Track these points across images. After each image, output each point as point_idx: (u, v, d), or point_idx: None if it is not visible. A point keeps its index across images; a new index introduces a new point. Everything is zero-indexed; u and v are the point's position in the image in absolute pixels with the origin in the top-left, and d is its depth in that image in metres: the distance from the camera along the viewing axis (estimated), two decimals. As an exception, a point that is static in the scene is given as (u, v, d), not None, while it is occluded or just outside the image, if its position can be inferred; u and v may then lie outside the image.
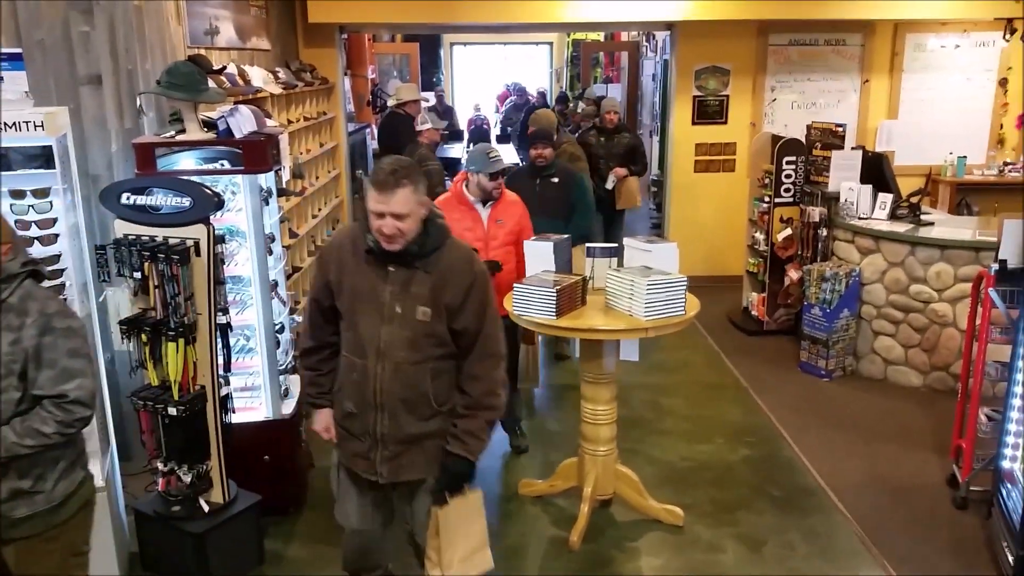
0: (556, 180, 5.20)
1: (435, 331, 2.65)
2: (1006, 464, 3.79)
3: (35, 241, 3.19)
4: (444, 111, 12.96)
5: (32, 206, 3.17)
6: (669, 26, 7.89)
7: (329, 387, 2.87)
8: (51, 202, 3.19)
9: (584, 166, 6.25)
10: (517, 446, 4.80)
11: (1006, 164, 7.89)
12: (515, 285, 3.78)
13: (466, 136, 13.56)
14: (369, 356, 2.66)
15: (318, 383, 2.90)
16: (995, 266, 4.01)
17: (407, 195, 2.54)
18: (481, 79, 17.06)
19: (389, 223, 2.54)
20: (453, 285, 2.64)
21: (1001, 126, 8.01)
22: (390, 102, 7.67)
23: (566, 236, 4.21)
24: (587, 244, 4.31)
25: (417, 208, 2.57)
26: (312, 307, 2.83)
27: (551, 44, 16.93)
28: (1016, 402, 3.76)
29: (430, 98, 12.25)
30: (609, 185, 6.86)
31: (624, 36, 11.65)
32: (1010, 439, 3.79)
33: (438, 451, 2.74)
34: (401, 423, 2.69)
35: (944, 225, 5.72)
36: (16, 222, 3.15)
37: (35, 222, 3.18)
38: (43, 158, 3.11)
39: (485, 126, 13.89)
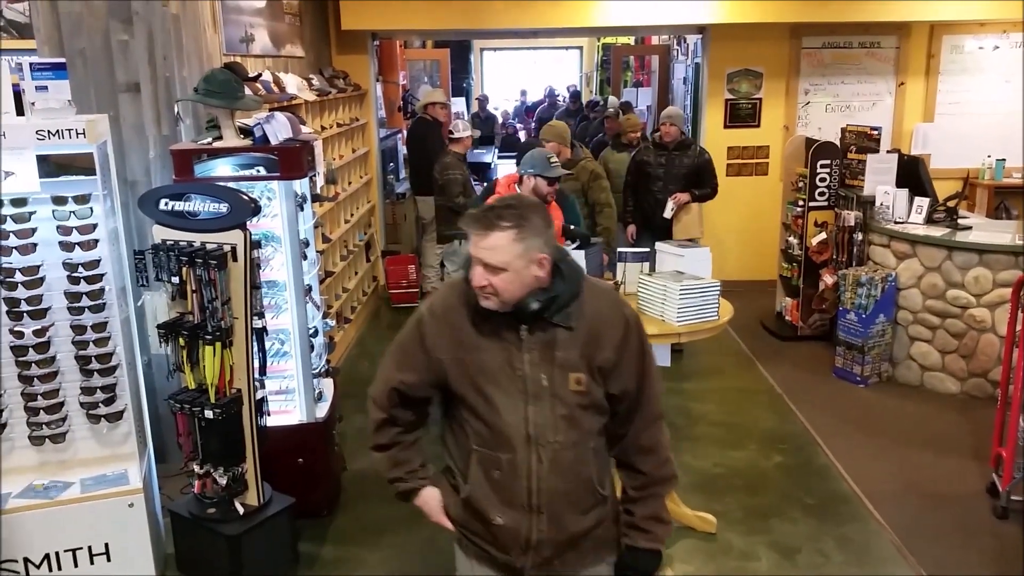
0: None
1: (594, 401, 2.10)
2: (1048, 473, 3.72)
3: (76, 246, 3.25)
4: (486, 118, 13.07)
5: (73, 212, 3.24)
6: (701, 29, 7.85)
7: (420, 463, 2.29)
8: (91, 208, 3.26)
9: (606, 184, 5.84)
10: None
11: (1046, 167, 7.73)
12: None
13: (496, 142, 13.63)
14: (518, 448, 2.06)
15: (403, 460, 2.28)
16: (1036, 271, 3.93)
17: (506, 241, 1.96)
18: (511, 84, 17.12)
19: (478, 273, 2.00)
20: (606, 340, 2.08)
21: (1041, 128, 7.85)
22: (416, 107, 7.71)
23: (598, 240, 4.22)
24: (620, 250, 4.30)
25: (520, 262, 1.97)
26: (388, 387, 2.21)
27: (581, 48, 16.93)
28: (1059, 410, 3.68)
29: (458, 103, 12.33)
30: (668, 213, 5.97)
31: (654, 40, 11.61)
32: (1052, 448, 3.72)
33: (601, 540, 2.22)
34: (564, 523, 2.12)
35: (982, 229, 5.62)
36: (57, 227, 3.23)
37: (76, 228, 3.25)
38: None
39: (515, 133, 13.98)
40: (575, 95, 13.09)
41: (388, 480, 2.31)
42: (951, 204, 5.79)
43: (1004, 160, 7.65)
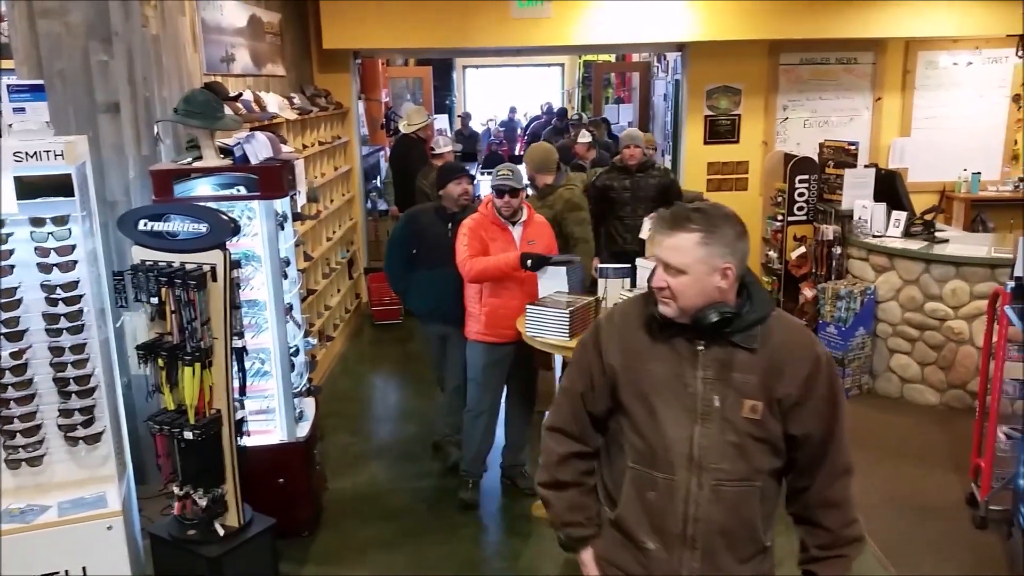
0: None
1: (769, 435, 1.93)
2: (1026, 484, 3.75)
3: (54, 268, 3.24)
4: (469, 135, 13.12)
5: (51, 233, 3.22)
6: (680, 47, 7.94)
7: (596, 509, 2.11)
8: (70, 229, 3.24)
9: (584, 216, 5.11)
10: (461, 498, 4.44)
11: (1021, 180, 7.85)
12: (527, 307, 3.80)
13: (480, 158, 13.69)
14: (677, 468, 1.92)
15: (582, 504, 2.09)
16: (1011, 283, 3.98)
17: (690, 244, 1.87)
18: (496, 101, 17.21)
19: (658, 274, 1.92)
20: (790, 374, 1.91)
21: (1016, 142, 7.98)
22: (402, 125, 7.73)
23: (577, 258, 4.24)
24: (599, 266, 4.32)
25: (702, 267, 1.87)
26: (574, 404, 2.08)
27: (562, 65, 17.06)
28: (1035, 421, 3.73)
29: (440, 119, 12.37)
30: (644, 234, 5.34)
31: (635, 57, 11.72)
32: (1029, 458, 3.75)
33: None
34: (719, 564, 1.96)
35: (959, 242, 5.69)
36: (35, 249, 3.21)
37: (54, 249, 3.23)
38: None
39: (501, 151, 14.04)
40: (562, 112, 13.14)
41: (560, 524, 2.12)
42: (928, 217, 5.86)
43: (980, 173, 7.76)
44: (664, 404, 1.93)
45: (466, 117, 14.17)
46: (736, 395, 1.90)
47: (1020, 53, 7.50)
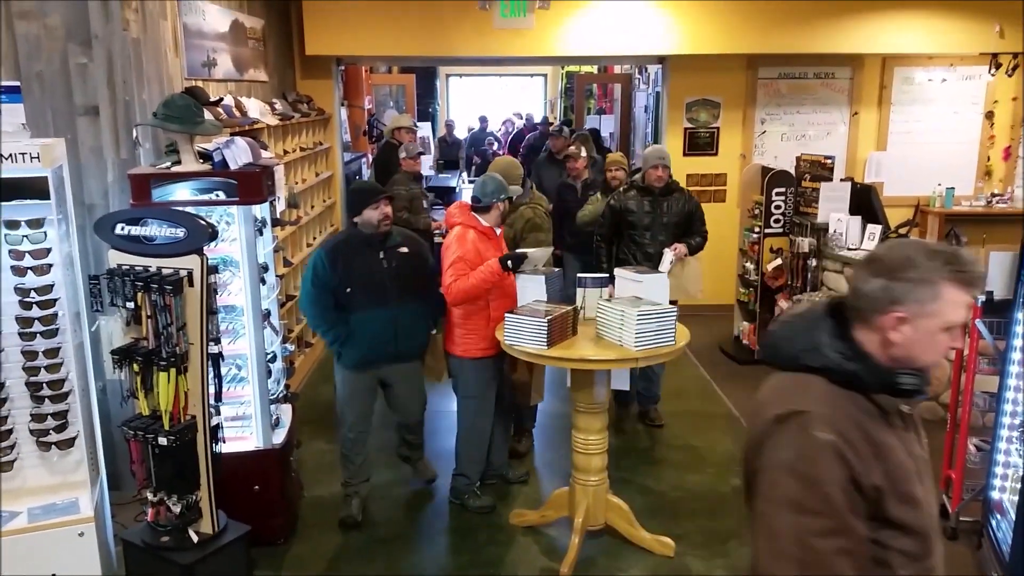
0: (405, 251, 4.15)
1: None
2: (995, 495, 3.81)
3: (28, 271, 3.21)
4: (452, 143, 13.12)
5: (26, 236, 3.20)
6: (660, 59, 8.00)
7: None
8: (45, 232, 3.22)
9: (543, 238, 4.81)
10: (481, 506, 4.41)
11: (994, 195, 7.98)
12: (506, 315, 3.81)
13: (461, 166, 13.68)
14: (935, 548, 1.75)
15: None
16: (982, 297, 4.05)
17: None
18: (477, 109, 17.20)
19: (958, 338, 1.70)
20: None
21: (988, 158, 8.11)
22: (384, 131, 7.73)
23: (557, 270, 4.26)
24: (579, 275, 4.33)
25: None
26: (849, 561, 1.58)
27: (545, 76, 17.14)
28: (1004, 433, 3.79)
29: (422, 127, 12.36)
30: (665, 267, 4.96)
31: (617, 69, 11.80)
32: (999, 470, 3.81)
33: None
34: None
35: (932, 256, 5.75)
36: (10, 252, 3.19)
37: (29, 252, 3.21)
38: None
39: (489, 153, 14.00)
40: (544, 121, 13.12)
41: None
42: (903, 231, 5.94)
43: (954, 188, 7.88)
44: (915, 486, 1.68)
45: (451, 125, 14.19)
46: (922, 444, 1.78)
47: (992, 71, 7.66)
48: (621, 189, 5.37)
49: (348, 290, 3.99)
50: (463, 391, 4.31)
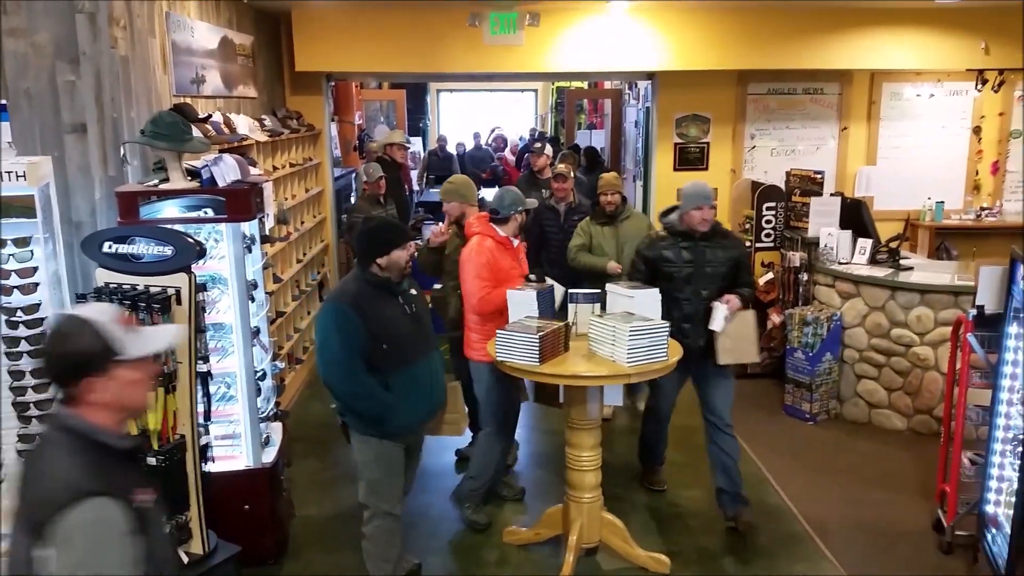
0: (414, 292, 3.63)
1: None
2: (990, 508, 3.80)
3: (15, 290, 3.18)
4: (444, 157, 13.13)
5: (12, 255, 3.16)
6: (650, 75, 8.04)
7: None
8: (32, 251, 3.19)
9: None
10: (475, 520, 4.42)
11: (983, 209, 8.03)
12: (498, 331, 3.79)
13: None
14: None
15: None
16: (973, 311, 4.05)
17: None
18: (468, 124, 17.23)
19: None
20: None
21: (976, 172, 8.16)
22: (375, 148, 7.73)
23: (550, 283, 4.25)
24: (571, 291, 4.31)
25: None
26: None
27: (536, 91, 17.19)
28: (998, 446, 3.78)
29: (413, 142, 12.35)
30: (719, 325, 4.12)
31: (607, 84, 11.85)
32: (993, 483, 3.80)
33: None
34: None
35: (923, 270, 5.79)
36: (-4, 270, 3.15)
37: (15, 271, 3.17)
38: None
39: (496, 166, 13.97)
40: (555, 139, 13.06)
41: None
42: (893, 245, 5.96)
43: (943, 202, 7.92)
44: None
45: (443, 140, 14.20)
46: None
47: (979, 87, 7.73)
48: (652, 235, 4.66)
49: (384, 346, 3.35)
50: (486, 395, 4.35)
